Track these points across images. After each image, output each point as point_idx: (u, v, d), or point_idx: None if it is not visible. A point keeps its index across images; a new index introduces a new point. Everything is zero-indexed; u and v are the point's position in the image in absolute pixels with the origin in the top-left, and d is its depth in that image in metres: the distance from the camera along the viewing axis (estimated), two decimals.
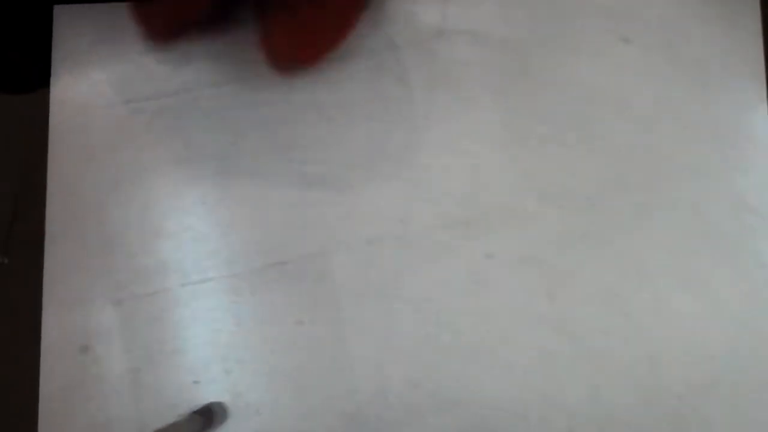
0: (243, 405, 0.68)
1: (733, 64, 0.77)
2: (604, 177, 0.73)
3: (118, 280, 0.69)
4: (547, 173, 0.73)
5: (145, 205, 0.71)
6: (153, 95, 0.74)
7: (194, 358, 0.68)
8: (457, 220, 0.72)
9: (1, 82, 0.76)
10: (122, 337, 0.68)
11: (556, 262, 0.71)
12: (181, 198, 0.72)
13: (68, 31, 0.76)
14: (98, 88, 0.74)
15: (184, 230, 0.71)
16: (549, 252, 0.71)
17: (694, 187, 0.73)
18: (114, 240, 0.70)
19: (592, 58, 0.77)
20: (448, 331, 0.70)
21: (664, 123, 0.75)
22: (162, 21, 0.72)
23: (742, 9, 0.78)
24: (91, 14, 0.76)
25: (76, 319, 0.68)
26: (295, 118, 0.74)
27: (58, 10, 0.76)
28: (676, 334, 0.70)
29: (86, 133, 0.73)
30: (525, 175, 0.73)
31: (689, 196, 0.73)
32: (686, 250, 0.72)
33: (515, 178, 0.73)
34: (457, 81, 0.75)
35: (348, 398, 0.68)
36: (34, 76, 0.76)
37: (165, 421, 0.66)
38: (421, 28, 0.76)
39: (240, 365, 0.68)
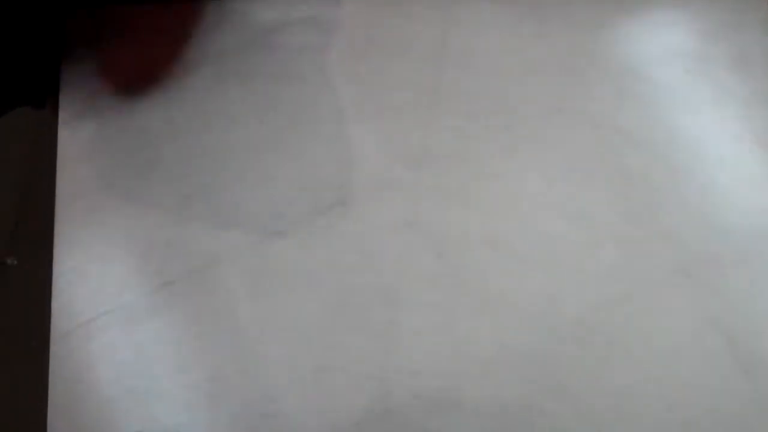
0: (161, 430, 0.67)
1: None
2: (462, 129, 0.76)
3: None
4: (409, 138, 0.75)
5: None
6: None
7: (100, 396, 0.68)
8: (333, 202, 0.73)
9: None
10: None
11: (436, 221, 0.73)
12: None
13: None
14: None
15: (61, 274, 0.70)
16: (427, 212, 0.74)
17: (558, 121, 0.77)
18: None
19: (429, 20, 0.79)
20: (348, 311, 0.71)
21: (514, 71, 0.78)
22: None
23: None
24: None
25: None
26: (150, 140, 0.74)
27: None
28: (566, 263, 0.73)
29: None
30: (389, 144, 0.75)
31: (555, 132, 0.76)
32: (558, 179, 0.75)
33: (379, 149, 0.75)
34: (304, 69, 0.76)
35: (266, 399, 0.69)
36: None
37: None
38: (259, 26, 0.77)
39: (149, 392, 0.68)
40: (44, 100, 0.73)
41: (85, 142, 0.75)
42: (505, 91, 0.77)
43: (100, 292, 0.71)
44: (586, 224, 0.73)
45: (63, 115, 0.76)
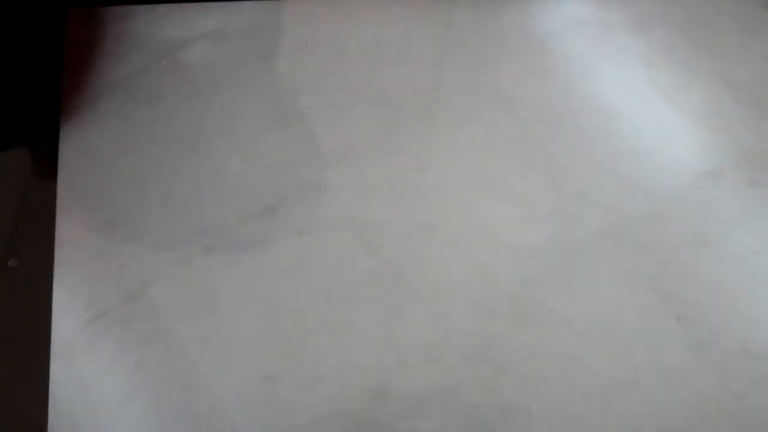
0: None
1: None
2: (381, 122, 0.76)
3: None
4: (329, 137, 0.75)
5: None
6: None
7: None
8: (259, 211, 0.73)
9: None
10: None
11: (365, 216, 0.74)
12: None
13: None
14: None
15: None
16: (355, 209, 0.74)
17: (475, 103, 0.77)
18: None
19: (331, 18, 0.80)
20: (287, 316, 0.71)
21: (426, 59, 0.79)
22: None
23: None
24: None
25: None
26: (64, 170, 0.73)
27: None
28: (498, 242, 0.74)
29: None
30: (307, 147, 0.75)
31: (473, 114, 0.77)
32: (481, 160, 0.76)
33: (301, 151, 0.75)
34: (215, 83, 0.76)
35: (215, 415, 0.68)
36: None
37: None
38: (166, 44, 0.76)
39: (95, 427, 0.67)
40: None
41: None
42: (419, 79, 0.77)
43: None
44: (514, 201, 0.74)
45: None
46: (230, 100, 0.76)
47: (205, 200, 0.73)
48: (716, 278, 0.69)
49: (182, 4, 0.79)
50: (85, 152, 0.74)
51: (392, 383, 0.69)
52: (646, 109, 0.73)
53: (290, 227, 0.73)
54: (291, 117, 0.76)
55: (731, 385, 0.67)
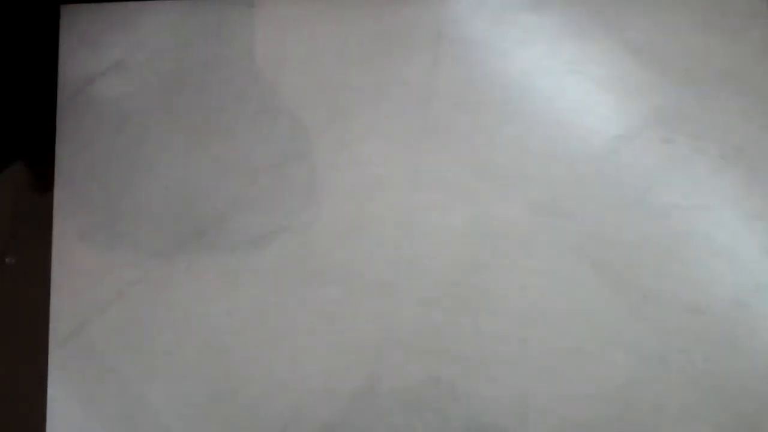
0: None
1: None
2: (296, 128, 0.76)
3: None
4: (246, 154, 0.75)
5: None
6: None
7: None
8: (186, 235, 0.72)
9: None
10: None
11: (296, 225, 0.73)
12: None
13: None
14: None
15: None
16: (286, 220, 0.73)
17: (389, 95, 0.77)
18: None
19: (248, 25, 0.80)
20: (232, 337, 0.70)
21: (331, 60, 0.79)
22: None
23: None
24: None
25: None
26: None
27: None
28: (426, 230, 0.73)
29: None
30: (226, 166, 0.75)
31: (389, 107, 0.77)
32: (402, 152, 0.76)
33: (219, 172, 0.74)
34: (125, 116, 0.76)
35: None
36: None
37: None
38: (73, 82, 0.76)
39: None
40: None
41: None
42: (329, 82, 0.77)
43: None
44: (437, 189, 0.74)
45: None
46: (141, 131, 0.75)
47: (128, 234, 0.72)
48: (643, 238, 0.70)
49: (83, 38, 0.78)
50: None
51: (351, 384, 0.68)
52: (554, 84, 0.74)
53: (221, 248, 0.72)
54: (203, 138, 0.75)
55: (674, 342, 0.67)
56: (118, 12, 0.79)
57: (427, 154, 0.75)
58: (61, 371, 0.69)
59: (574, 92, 0.73)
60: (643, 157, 0.71)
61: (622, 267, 0.69)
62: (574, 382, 0.67)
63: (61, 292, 0.71)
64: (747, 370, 0.66)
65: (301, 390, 0.68)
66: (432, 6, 0.77)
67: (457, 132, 0.75)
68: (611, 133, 0.72)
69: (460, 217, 0.73)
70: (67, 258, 0.72)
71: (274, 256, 0.72)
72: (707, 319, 0.67)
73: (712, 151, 0.70)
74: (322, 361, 0.70)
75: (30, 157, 0.73)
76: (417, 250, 0.72)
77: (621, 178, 0.71)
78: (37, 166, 0.73)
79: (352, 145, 0.75)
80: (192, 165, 0.75)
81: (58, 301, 0.70)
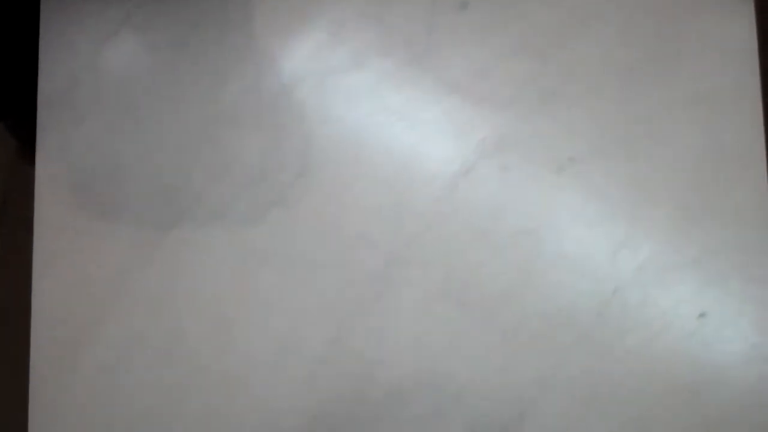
0: None
1: None
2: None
3: None
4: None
5: None
6: None
7: None
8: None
9: None
10: None
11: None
12: None
13: None
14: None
15: None
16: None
17: (225, 184, 0.78)
18: None
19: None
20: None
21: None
22: None
23: None
24: None
25: None
26: None
27: None
28: (288, 308, 0.73)
29: None
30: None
31: (231, 204, 0.77)
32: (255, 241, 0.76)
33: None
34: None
35: None
36: None
37: None
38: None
39: None
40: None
41: None
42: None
43: None
44: (297, 265, 0.75)
45: None
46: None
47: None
48: (500, 268, 0.71)
49: None
50: None
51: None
52: (386, 135, 0.75)
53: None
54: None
55: (550, 359, 0.69)
56: None
57: (278, 236, 0.75)
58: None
59: (404, 141, 0.75)
60: (483, 188, 0.72)
61: (487, 300, 0.71)
62: (458, 421, 0.68)
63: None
64: (623, 374, 0.68)
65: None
66: (256, 81, 0.78)
67: (302, 207, 0.75)
68: (448, 172, 0.73)
69: (322, 288, 0.73)
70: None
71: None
72: (577, 330, 0.69)
73: (548, 169, 0.72)
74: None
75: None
76: (282, 326, 0.73)
77: (467, 213, 0.72)
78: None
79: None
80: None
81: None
